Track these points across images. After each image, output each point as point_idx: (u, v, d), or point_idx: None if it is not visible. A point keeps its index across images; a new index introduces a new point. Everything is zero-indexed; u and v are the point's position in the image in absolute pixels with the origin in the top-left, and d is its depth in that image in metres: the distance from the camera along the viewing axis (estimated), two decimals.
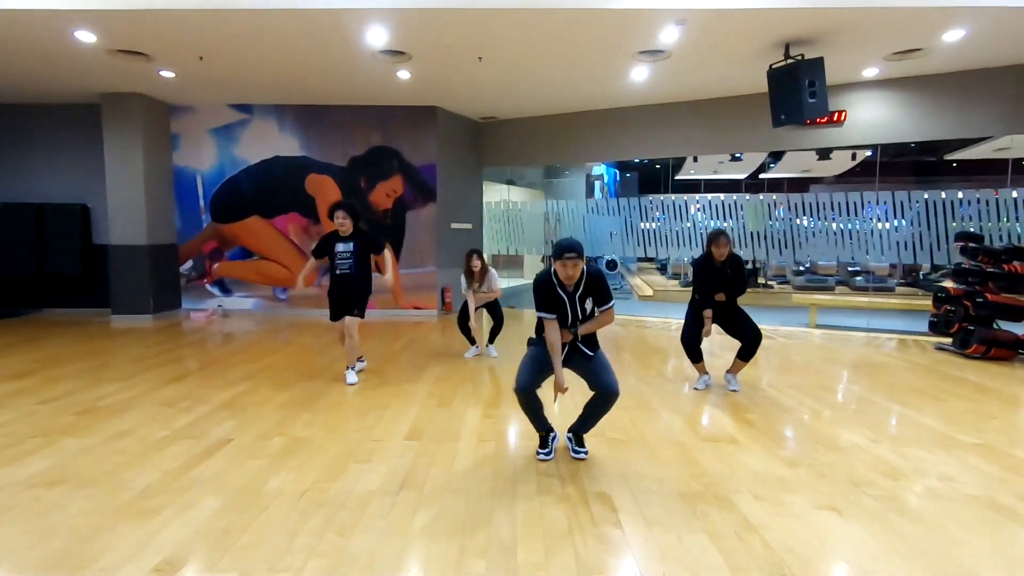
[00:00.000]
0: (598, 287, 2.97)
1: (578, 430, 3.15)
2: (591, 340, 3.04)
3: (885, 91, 6.83)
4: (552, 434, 3.15)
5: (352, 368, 4.77)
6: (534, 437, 3.32)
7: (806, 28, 5.15)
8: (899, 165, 16.51)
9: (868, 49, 5.71)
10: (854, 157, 15.26)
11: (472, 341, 5.75)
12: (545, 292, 2.95)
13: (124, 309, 7.74)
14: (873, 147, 11.07)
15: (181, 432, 3.46)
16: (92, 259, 8.13)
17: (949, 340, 5.91)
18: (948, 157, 15.70)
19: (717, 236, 4.24)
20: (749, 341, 4.32)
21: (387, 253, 4.72)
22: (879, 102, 6.90)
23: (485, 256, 5.84)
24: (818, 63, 5.35)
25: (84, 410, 3.88)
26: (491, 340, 5.82)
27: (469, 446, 3.24)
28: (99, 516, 2.43)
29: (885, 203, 8.06)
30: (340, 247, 4.56)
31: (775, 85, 5.63)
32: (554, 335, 2.92)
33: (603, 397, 2.99)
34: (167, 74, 6.58)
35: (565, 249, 2.84)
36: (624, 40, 5.43)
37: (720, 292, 4.31)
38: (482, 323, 7.21)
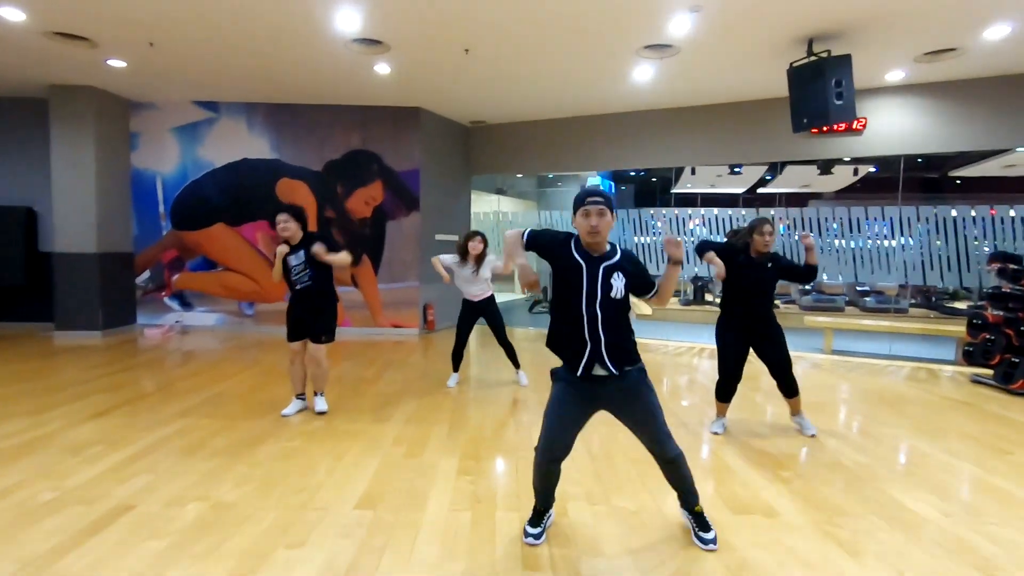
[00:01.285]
0: (636, 266, 2.19)
1: (687, 503, 2.37)
2: (622, 350, 2.15)
3: (911, 97, 6.27)
4: (550, 513, 2.43)
5: (320, 394, 4.12)
6: (524, 506, 2.62)
7: (834, 21, 4.56)
8: (904, 181, 16.10)
9: (899, 47, 5.14)
10: (856, 172, 14.81)
11: (456, 368, 5.03)
12: (552, 237, 2.21)
13: (69, 324, 6.96)
14: (889, 160, 10.55)
15: (73, 494, 2.72)
16: (38, 268, 7.36)
17: (988, 372, 5.28)
18: (953, 174, 15.31)
19: (761, 223, 3.45)
20: (782, 371, 3.61)
21: (344, 252, 3.90)
22: (904, 109, 6.34)
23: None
24: (846, 61, 4.77)
25: None
26: (516, 365, 5.03)
27: (437, 518, 2.53)
28: None
29: (891, 219, 7.52)
30: (292, 259, 3.85)
31: (797, 85, 5.03)
32: (513, 233, 2.23)
33: (662, 460, 2.25)
34: (117, 63, 5.88)
35: (588, 192, 2.12)
36: (629, 31, 4.83)
37: (755, 300, 3.54)
38: (469, 349, 6.48)
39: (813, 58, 4.89)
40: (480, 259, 4.68)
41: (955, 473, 3.19)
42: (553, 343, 2.24)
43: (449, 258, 4.77)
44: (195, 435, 3.57)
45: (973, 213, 7.82)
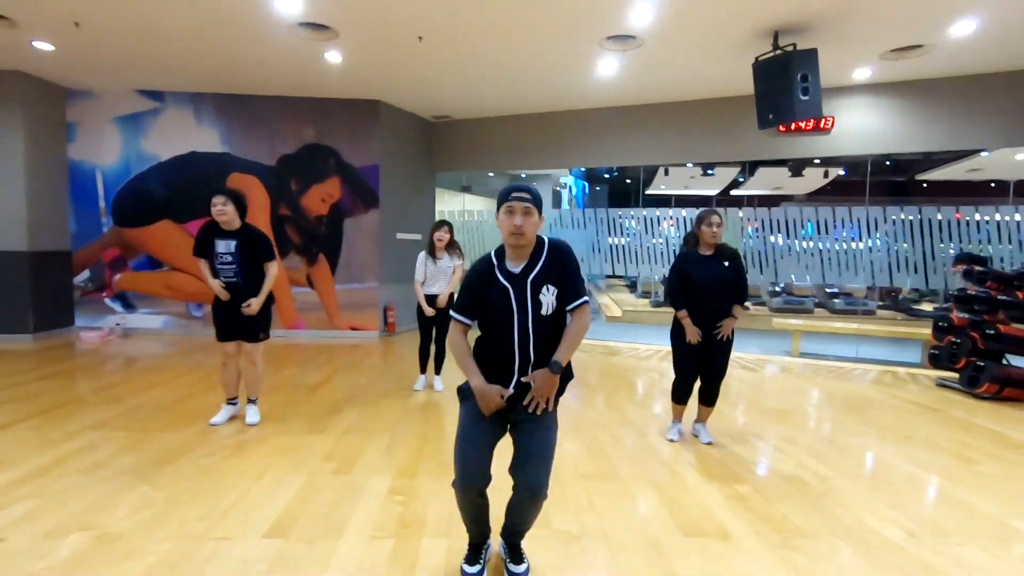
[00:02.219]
0: (565, 268, 1.91)
1: (508, 537, 2.10)
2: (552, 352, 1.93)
3: (878, 96, 6.18)
4: (487, 544, 2.14)
5: (254, 401, 3.82)
6: (454, 533, 2.36)
7: (799, 13, 4.40)
8: (873, 184, 16.30)
9: (866, 42, 5.02)
10: (826, 175, 14.90)
11: (423, 369, 4.83)
12: (476, 280, 1.93)
13: None
14: (856, 160, 10.56)
15: None
16: None
17: (953, 376, 5.18)
18: (920, 177, 15.51)
19: (708, 215, 3.30)
20: (716, 378, 3.47)
21: (273, 266, 3.64)
22: (870, 108, 6.25)
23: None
24: (811, 55, 4.62)
25: None
26: (437, 370, 4.86)
27: (354, 548, 2.25)
28: None
29: (858, 221, 7.46)
30: (220, 245, 3.49)
31: (762, 79, 4.87)
32: (459, 340, 1.97)
33: (524, 494, 1.91)
34: (43, 46, 5.45)
35: (513, 188, 1.87)
36: (589, 20, 4.60)
37: (711, 294, 3.34)
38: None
39: (779, 52, 4.72)
40: (450, 246, 4.53)
41: (920, 486, 3.02)
42: (480, 357, 1.98)
43: (420, 267, 4.59)
44: (101, 452, 3.21)
45: (939, 216, 7.81)
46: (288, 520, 2.47)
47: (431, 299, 4.57)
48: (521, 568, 2.06)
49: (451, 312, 1.98)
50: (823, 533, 2.46)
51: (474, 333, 1.99)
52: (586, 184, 16.97)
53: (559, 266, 1.91)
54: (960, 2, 4.18)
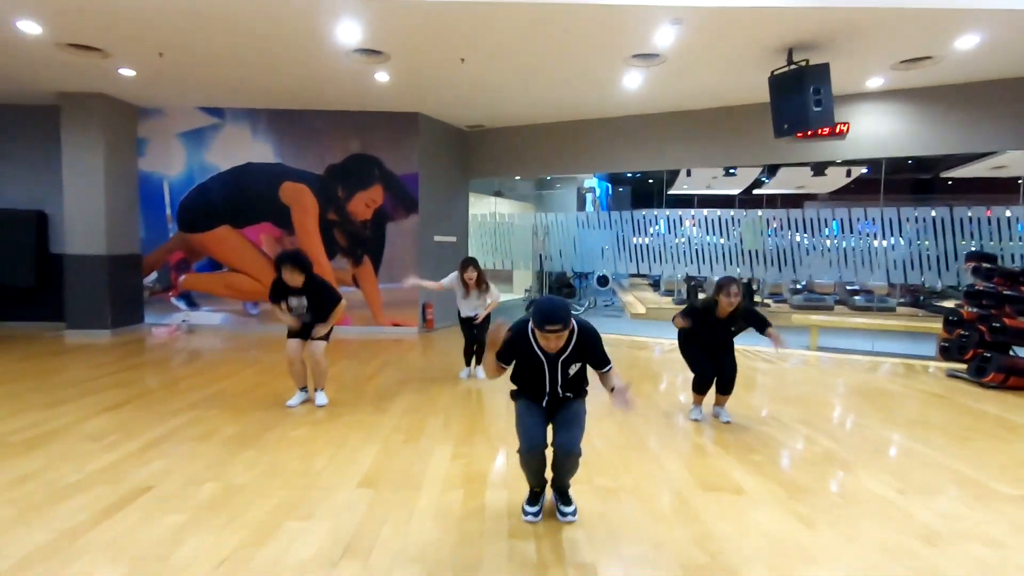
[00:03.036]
0: (591, 349, 2.44)
1: (557, 487, 2.62)
2: (578, 387, 2.58)
3: (890, 103, 6.50)
4: (543, 493, 2.64)
5: (321, 390, 4.40)
6: (511, 486, 2.86)
7: (811, 31, 4.79)
8: (895, 183, 16.33)
9: (876, 56, 5.37)
10: (849, 174, 15.04)
11: (468, 362, 5.40)
12: (517, 346, 2.43)
13: (80, 323, 7.19)
14: (872, 162, 10.81)
15: (96, 476, 2.95)
16: (48, 269, 7.59)
17: (962, 367, 5.50)
18: (945, 175, 15.51)
19: (728, 284, 3.77)
20: (729, 378, 3.98)
21: (341, 305, 4.26)
22: (883, 115, 6.57)
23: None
24: (824, 69, 5.00)
25: None
26: (479, 360, 5.39)
27: (432, 497, 2.76)
28: None
29: (873, 219, 7.73)
30: (293, 301, 4.16)
31: (777, 92, 5.26)
32: (491, 371, 2.50)
33: (561, 453, 2.42)
34: (127, 72, 6.13)
35: (546, 319, 2.25)
36: (617, 41, 5.06)
37: (716, 342, 3.97)
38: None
39: (793, 67, 5.11)
40: (480, 284, 5.08)
41: (916, 457, 3.42)
42: (516, 382, 2.62)
43: (448, 280, 5.17)
44: (205, 425, 3.80)
45: (953, 211, 8.02)
46: (373, 476, 3.00)
47: (469, 319, 5.21)
48: (570, 509, 2.57)
49: (496, 356, 2.43)
50: (824, 491, 2.90)
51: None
52: (610, 186, 17.34)
53: (585, 347, 2.44)
54: (961, 20, 4.53)
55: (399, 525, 2.48)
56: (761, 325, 3.88)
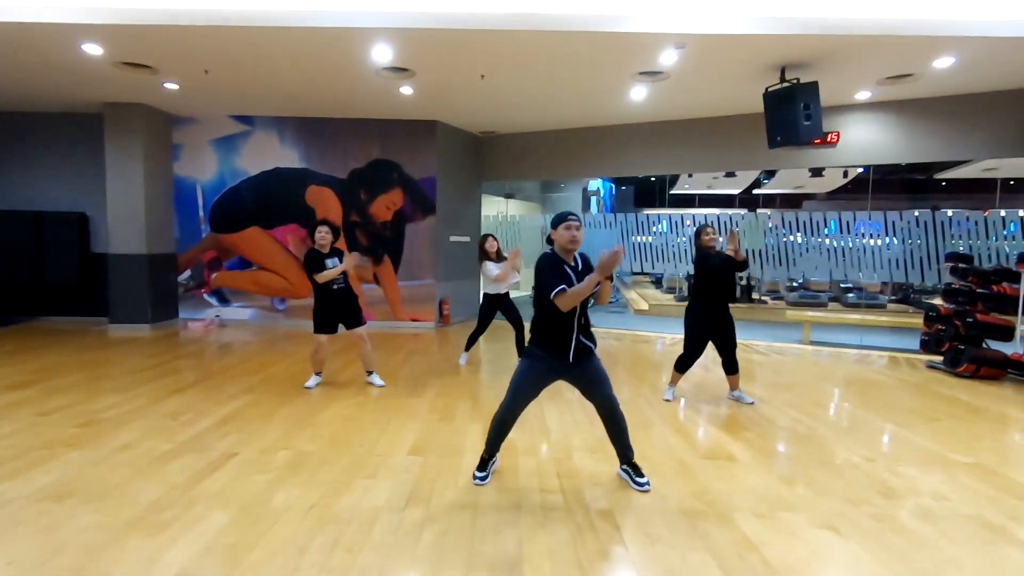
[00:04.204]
0: (590, 265, 2.89)
1: (624, 458, 3.03)
2: (590, 332, 2.90)
3: (877, 113, 7.00)
4: (495, 460, 3.12)
5: (373, 372, 5.02)
6: (536, 453, 3.37)
7: (801, 53, 5.29)
8: (890, 183, 16.81)
9: (861, 73, 5.87)
10: (846, 175, 15.50)
11: (468, 348, 5.95)
12: (557, 264, 2.76)
13: (122, 318, 7.73)
14: (865, 165, 11.27)
15: (185, 445, 3.48)
16: (89, 268, 8.12)
17: (940, 359, 6.01)
18: (938, 176, 15.97)
19: (702, 227, 4.52)
20: (730, 353, 4.53)
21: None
22: (871, 124, 7.07)
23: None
24: (813, 87, 5.49)
25: (86, 422, 3.89)
26: (520, 349, 5.85)
27: (473, 462, 3.27)
28: (107, 531, 2.45)
29: (872, 219, 8.20)
30: (329, 263, 4.64)
31: (771, 108, 5.76)
32: (568, 294, 2.66)
33: (608, 410, 2.93)
34: (171, 86, 6.64)
35: (567, 213, 2.83)
36: (624, 62, 5.56)
37: (719, 278, 4.44)
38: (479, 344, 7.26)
39: (786, 84, 5.61)
40: (499, 254, 5.59)
41: (887, 434, 3.93)
42: (542, 338, 2.84)
43: (490, 266, 5.51)
44: (264, 406, 4.32)
45: (950, 214, 8.48)
46: (421, 446, 3.52)
47: (500, 296, 5.65)
48: (644, 479, 2.96)
49: (556, 289, 2.66)
50: (803, 459, 3.41)
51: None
52: (613, 185, 17.84)
53: (588, 265, 2.91)
54: (938, 44, 5.03)
55: (450, 482, 3.00)
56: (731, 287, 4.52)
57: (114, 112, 7.47)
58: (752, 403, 4.57)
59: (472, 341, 5.89)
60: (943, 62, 5.43)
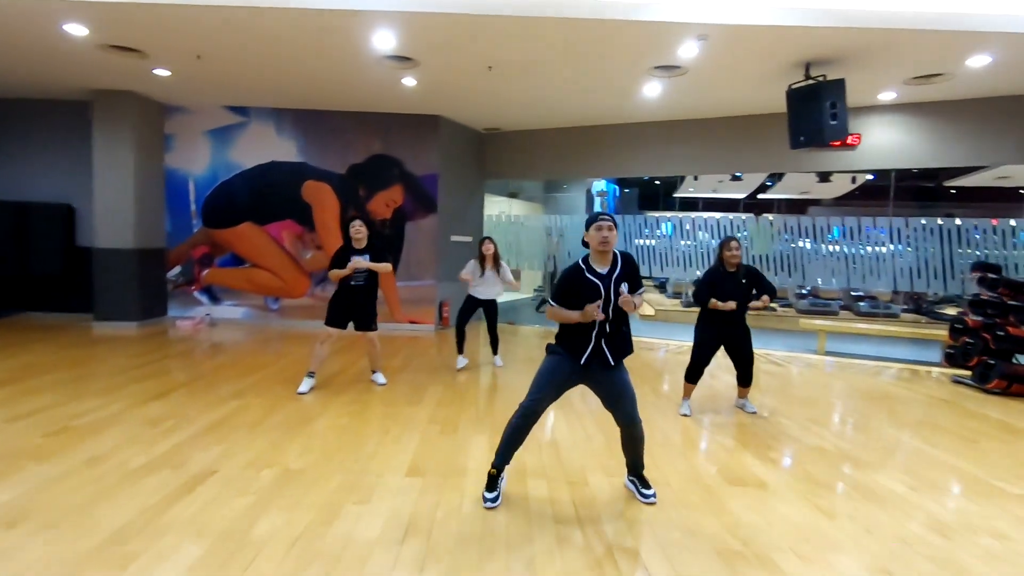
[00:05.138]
0: (633, 269, 2.71)
1: (636, 469, 2.91)
2: (619, 342, 2.69)
3: (900, 116, 6.71)
4: (503, 476, 2.84)
5: (378, 371, 5.00)
6: (549, 475, 3.07)
7: (829, 48, 4.99)
8: (899, 190, 16.55)
9: (889, 72, 5.58)
10: (854, 180, 15.22)
11: (461, 350, 5.75)
12: (570, 279, 2.65)
13: (108, 315, 7.39)
14: (877, 172, 10.99)
15: (162, 459, 3.16)
16: (74, 261, 7.79)
17: (967, 373, 5.72)
18: (948, 183, 15.71)
19: (728, 240, 4.20)
20: (746, 365, 4.33)
21: (388, 266, 4.85)
22: (894, 127, 6.78)
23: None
24: (839, 85, 5.19)
25: (58, 430, 3.57)
26: (495, 350, 5.90)
27: (478, 484, 2.96)
28: (62, 566, 2.14)
29: (878, 226, 7.91)
30: (356, 258, 4.55)
31: (795, 106, 5.46)
32: (555, 308, 2.68)
33: (628, 427, 2.76)
34: (162, 73, 6.31)
35: (598, 214, 2.68)
36: (641, 54, 5.25)
37: (731, 301, 4.16)
38: (477, 336, 6.99)
39: (810, 81, 5.31)
40: (495, 259, 5.52)
41: (925, 457, 3.63)
42: (562, 337, 2.73)
43: (469, 266, 5.60)
44: (253, 413, 4.00)
45: (958, 222, 8.21)
46: (420, 465, 3.21)
47: (486, 301, 5.64)
48: (651, 491, 2.83)
49: (549, 300, 2.73)
50: (841, 486, 3.11)
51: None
52: (617, 187, 17.55)
53: (630, 266, 2.72)
54: (974, 41, 4.73)
55: (452, 508, 2.69)
56: (763, 286, 4.21)
57: (103, 100, 7.14)
58: (755, 412, 4.41)
59: (461, 342, 5.76)
60: (978, 61, 5.14)
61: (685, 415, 4.36)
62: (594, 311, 2.54)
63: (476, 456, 3.35)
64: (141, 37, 5.25)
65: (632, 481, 2.92)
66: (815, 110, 5.25)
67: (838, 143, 6.89)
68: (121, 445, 3.34)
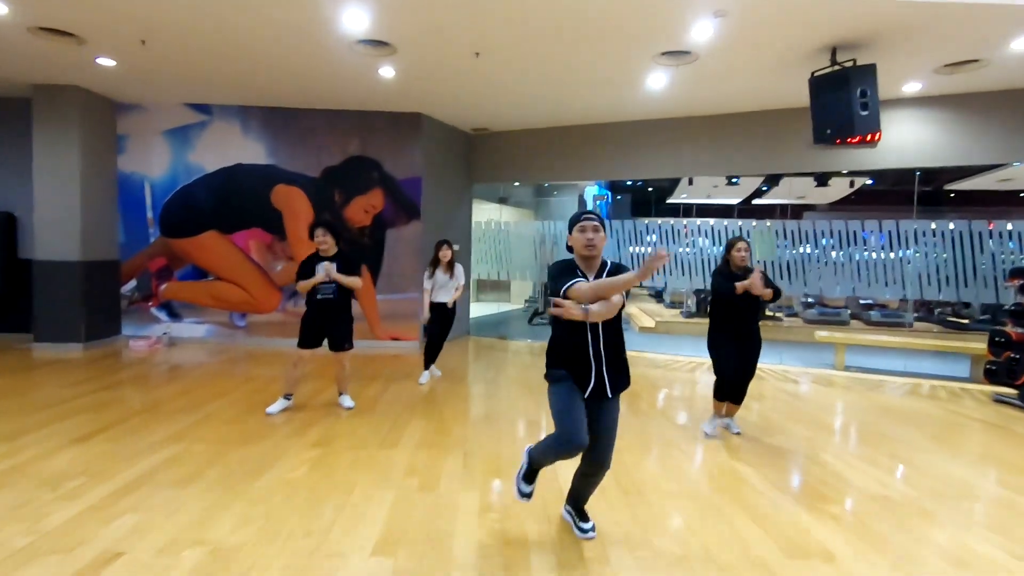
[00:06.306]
0: (622, 268, 2.37)
1: (577, 502, 2.59)
2: (619, 370, 2.35)
3: (925, 109, 6.16)
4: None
5: (345, 393, 4.60)
6: (558, 547, 2.38)
7: (860, 29, 4.41)
8: (899, 194, 16.15)
9: (921, 57, 5.02)
10: (852, 184, 14.78)
11: (427, 365, 5.54)
12: (567, 270, 2.31)
13: (49, 336, 6.57)
14: (903, 172, 10.45)
15: (51, 538, 2.42)
16: (16, 276, 6.97)
17: (1011, 392, 5.13)
18: (948, 187, 15.34)
19: (736, 241, 3.93)
20: (744, 382, 3.95)
21: (359, 280, 4.39)
22: (917, 122, 6.23)
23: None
24: (871, 70, 4.61)
25: None
26: (435, 359, 5.59)
27: (466, 565, 2.26)
28: None
29: (878, 229, 7.37)
30: (325, 264, 4.15)
31: (819, 95, 4.87)
32: (584, 286, 2.23)
33: (595, 468, 2.41)
34: (106, 62, 5.58)
35: (583, 212, 2.35)
36: (649, 34, 4.64)
37: (742, 304, 3.79)
38: (466, 350, 6.31)
39: (837, 67, 4.73)
40: (451, 265, 5.35)
41: (1009, 507, 2.99)
42: (557, 358, 2.35)
43: (426, 279, 5.37)
44: (187, 465, 3.26)
45: (974, 227, 7.69)
46: (392, 538, 2.50)
47: (442, 304, 5.37)
48: (589, 525, 2.52)
49: (561, 288, 2.26)
50: (927, 555, 2.45)
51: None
52: (609, 193, 16.99)
53: (619, 267, 2.36)
54: (1021, 19, 4.18)
55: None
56: (769, 287, 3.78)
57: (43, 95, 6.38)
58: (738, 433, 4.06)
59: (431, 357, 5.54)
60: (1023, 43, 4.59)
61: (707, 434, 3.97)
62: (659, 257, 2.08)
63: (462, 526, 2.63)
64: (72, 16, 4.53)
65: (569, 512, 2.63)
66: (843, 100, 4.66)
67: (855, 139, 6.35)
68: (3, 517, 2.59)
